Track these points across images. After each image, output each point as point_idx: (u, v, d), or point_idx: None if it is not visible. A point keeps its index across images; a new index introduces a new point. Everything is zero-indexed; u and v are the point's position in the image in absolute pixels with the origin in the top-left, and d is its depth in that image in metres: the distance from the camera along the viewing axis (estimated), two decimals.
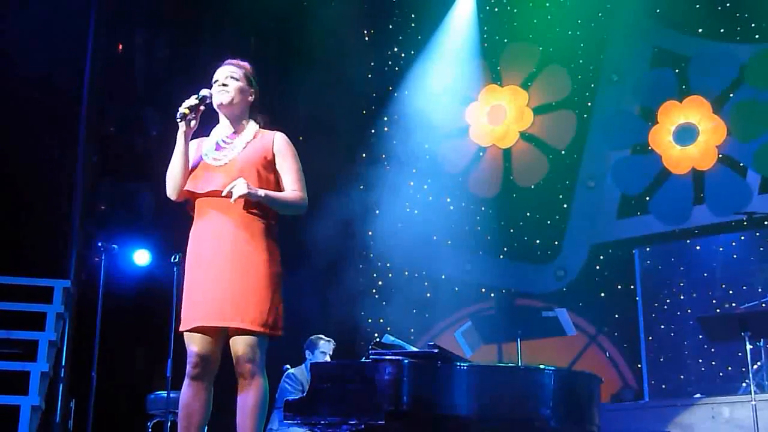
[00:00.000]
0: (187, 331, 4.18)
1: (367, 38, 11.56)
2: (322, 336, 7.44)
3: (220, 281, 4.11)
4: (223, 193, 4.13)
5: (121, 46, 9.92)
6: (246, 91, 4.42)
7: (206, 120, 4.49)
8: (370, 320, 10.51)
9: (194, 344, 4.14)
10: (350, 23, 10.95)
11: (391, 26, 11.70)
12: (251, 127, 4.41)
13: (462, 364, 5.78)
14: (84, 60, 8.99)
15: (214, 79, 4.43)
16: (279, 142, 4.38)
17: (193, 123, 4.31)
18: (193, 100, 4.29)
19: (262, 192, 4.17)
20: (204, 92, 4.35)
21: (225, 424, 4.85)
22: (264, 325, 4.12)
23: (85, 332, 7.91)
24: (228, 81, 4.36)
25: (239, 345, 4.09)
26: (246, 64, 4.53)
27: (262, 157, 4.30)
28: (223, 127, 4.43)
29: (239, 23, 10.19)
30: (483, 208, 11.18)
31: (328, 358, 7.30)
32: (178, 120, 4.25)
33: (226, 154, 4.28)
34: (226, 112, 4.40)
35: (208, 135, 4.50)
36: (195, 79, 10.33)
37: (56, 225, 8.73)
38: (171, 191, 4.29)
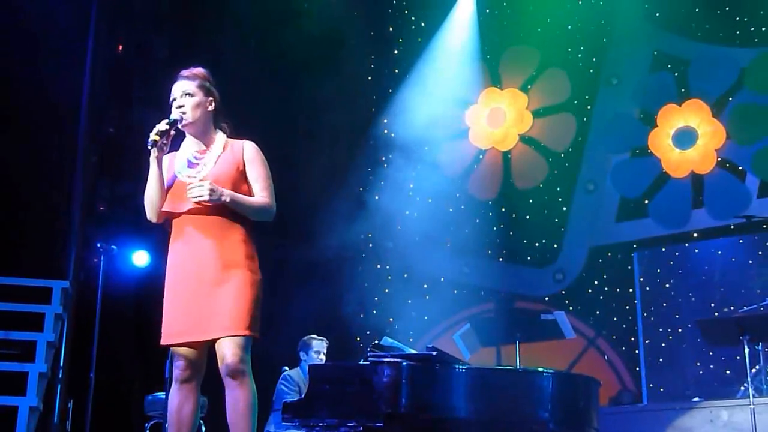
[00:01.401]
0: (171, 345, 4.26)
1: (367, 40, 11.56)
2: (315, 336, 7.42)
3: (203, 296, 4.18)
4: (188, 195, 4.19)
5: (120, 47, 9.92)
6: (203, 102, 4.40)
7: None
8: (368, 322, 10.49)
9: (180, 353, 4.22)
10: (350, 25, 10.95)
11: (391, 29, 11.70)
12: (219, 138, 4.42)
13: (460, 366, 5.78)
14: (84, 60, 8.99)
15: (171, 98, 4.41)
16: (249, 152, 4.40)
17: (165, 148, 4.32)
18: (163, 125, 4.27)
19: (227, 193, 4.21)
20: (174, 115, 4.33)
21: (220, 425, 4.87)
22: (247, 328, 4.16)
23: (83, 333, 7.91)
24: (183, 100, 4.36)
25: (225, 348, 4.14)
26: (199, 71, 4.48)
27: (234, 170, 4.34)
28: (191, 143, 4.43)
29: (239, 25, 10.19)
30: (482, 211, 11.17)
31: (322, 357, 7.29)
32: (149, 147, 4.23)
33: (200, 171, 4.31)
34: (190, 129, 4.41)
35: (177, 148, 4.49)
36: None
37: (55, 225, 8.73)
38: (151, 215, 4.33)
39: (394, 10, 11.65)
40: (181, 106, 4.33)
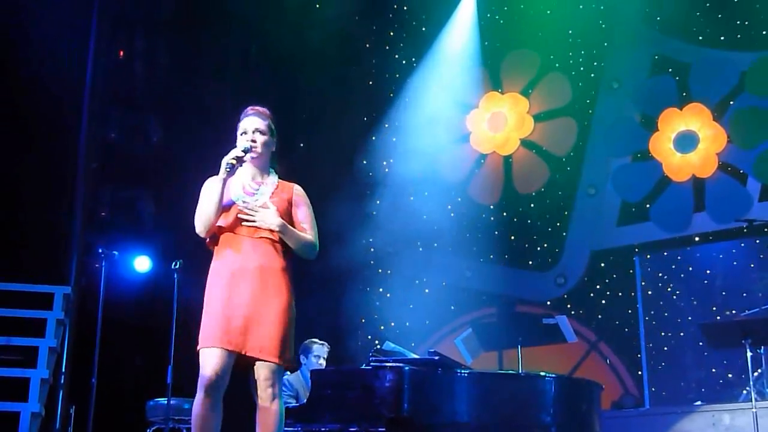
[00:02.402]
0: (212, 347, 4.46)
1: (368, 44, 11.57)
2: (316, 340, 7.40)
3: (251, 313, 4.49)
4: (253, 218, 4.58)
5: (122, 53, 9.93)
6: (269, 142, 4.78)
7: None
8: (369, 327, 10.49)
9: (216, 361, 4.43)
10: (351, 29, 10.96)
11: (392, 33, 11.71)
12: (273, 177, 4.82)
13: (462, 371, 5.78)
14: (85, 66, 9.00)
15: (241, 130, 4.74)
16: (297, 194, 4.83)
17: (234, 172, 4.66)
18: (239, 152, 4.62)
19: (279, 220, 4.61)
20: (246, 144, 4.66)
21: None
22: (285, 360, 4.55)
23: (85, 339, 7.90)
24: (255, 135, 4.71)
25: (264, 372, 4.49)
26: (268, 112, 4.84)
27: (285, 206, 4.72)
28: (247, 174, 4.76)
29: (240, 29, 10.21)
30: (483, 215, 11.18)
31: (322, 362, 7.26)
32: (227, 170, 4.56)
33: (258, 199, 4.68)
34: (254, 163, 4.75)
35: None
36: (196, 85, 10.38)
37: (57, 231, 8.74)
38: (202, 229, 4.63)
39: (396, 14, 11.65)
40: (253, 141, 4.69)
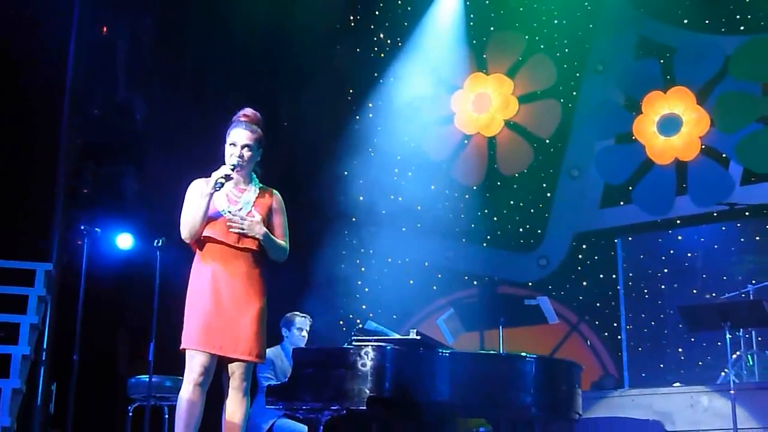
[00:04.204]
0: (196, 350, 4.80)
1: (352, 24, 11.54)
2: (297, 312, 7.40)
3: (233, 318, 4.82)
4: (235, 227, 4.84)
5: (105, 29, 9.86)
6: (256, 155, 5.02)
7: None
8: (352, 306, 10.51)
9: (203, 359, 4.78)
10: (336, 9, 10.92)
11: (377, 12, 11.67)
12: (255, 183, 5.05)
13: (444, 351, 5.81)
14: (68, 42, 8.92)
15: (230, 140, 4.94)
16: (277, 202, 5.07)
17: (221, 188, 4.87)
18: (227, 169, 4.84)
19: (264, 230, 4.89)
20: (234, 161, 4.88)
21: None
22: (259, 357, 4.90)
23: (66, 316, 7.87)
24: (243, 151, 4.92)
25: (239, 369, 4.84)
26: (258, 119, 5.05)
27: (266, 213, 4.99)
28: (230, 182, 4.93)
29: (225, 7, 10.14)
30: (467, 196, 11.19)
31: (305, 334, 7.26)
32: (216, 189, 4.79)
33: (242, 208, 4.93)
34: (238, 172, 4.95)
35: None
36: (180, 63, 10.32)
37: (38, 208, 8.69)
38: (188, 236, 4.90)
39: None
40: (240, 156, 4.91)
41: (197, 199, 4.86)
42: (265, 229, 4.88)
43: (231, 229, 4.84)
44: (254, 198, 4.99)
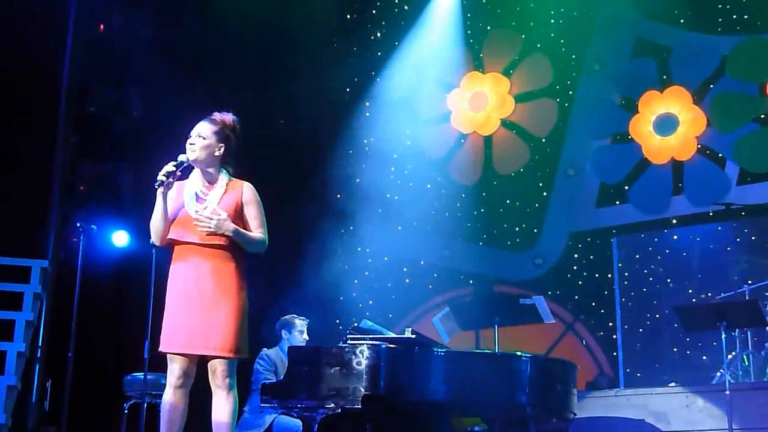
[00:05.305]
0: (174, 353, 4.83)
1: (350, 22, 11.52)
2: (296, 315, 7.42)
3: (203, 316, 4.79)
4: (199, 227, 4.81)
5: (102, 26, 9.85)
6: (212, 146, 4.93)
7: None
8: (347, 305, 10.50)
9: (178, 362, 4.82)
10: (332, 7, 10.91)
11: (374, 11, 11.66)
12: (222, 179, 4.98)
13: (439, 350, 5.82)
14: (65, 39, 8.92)
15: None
16: (247, 193, 5.00)
17: (171, 186, 4.91)
18: (170, 167, 4.84)
19: (232, 226, 4.83)
20: (181, 158, 4.88)
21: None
22: (237, 352, 4.82)
23: (62, 313, 7.88)
24: (195, 140, 4.91)
25: (218, 366, 4.79)
26: (226, 118, 5.02)
27: (233, 208, 4.92)
28: (198, 178, 5.00)
29: (222, 4, 10.13)
30: (463, 195, 11.19)
31: (306, 336, 7.28)
32: (156, 186, 4.81)
33: (206, 206, 4.88)
34: (198, 166, 4.98)
35: (187, 177, 5.02)
36: (177, 60, 10.31)
37: (35, 205, 8.69)
38: (156, 239, 4.94)
39: None
40: (192, 144, 4.89)
41: (158, 201, 4.89)
42: (233, 226, 4.83)
43: (199, 229, 4.81)
44: (221, 194, 4.93)
